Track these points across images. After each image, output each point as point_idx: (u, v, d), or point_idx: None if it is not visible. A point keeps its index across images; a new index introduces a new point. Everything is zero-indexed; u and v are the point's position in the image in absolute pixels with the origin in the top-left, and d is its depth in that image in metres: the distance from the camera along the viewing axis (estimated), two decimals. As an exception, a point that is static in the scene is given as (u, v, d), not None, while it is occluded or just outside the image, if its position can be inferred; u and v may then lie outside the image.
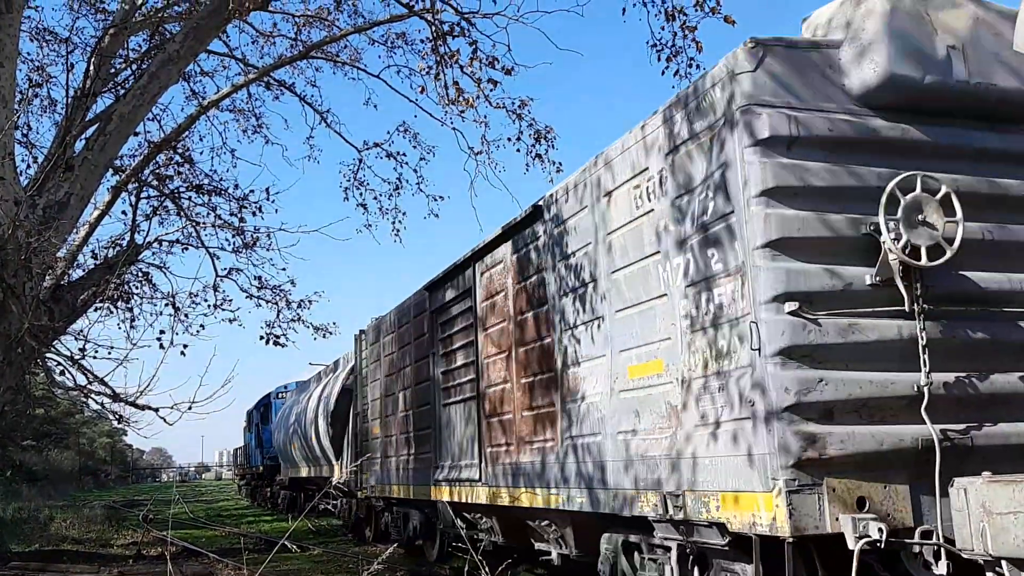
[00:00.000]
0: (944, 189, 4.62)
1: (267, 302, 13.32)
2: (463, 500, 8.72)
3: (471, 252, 8.48)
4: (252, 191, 13.38)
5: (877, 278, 4.53)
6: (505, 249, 7.71)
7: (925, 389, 4.44)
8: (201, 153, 17.26)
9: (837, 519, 4.25)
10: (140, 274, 12.49)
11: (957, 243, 4.57)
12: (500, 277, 7.80)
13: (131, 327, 12.27)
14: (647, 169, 5.53)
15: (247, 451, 36.21)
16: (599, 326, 6.03)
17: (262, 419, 30.15)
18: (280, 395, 28.57)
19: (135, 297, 12.45)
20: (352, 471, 14.53)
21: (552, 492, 6.60)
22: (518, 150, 11.34)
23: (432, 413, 9.74)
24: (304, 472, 20.68)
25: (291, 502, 25.11)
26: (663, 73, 10.00)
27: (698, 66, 9.90)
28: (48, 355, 8.93)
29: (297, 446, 20.38)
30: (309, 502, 19.91)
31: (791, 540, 4.26)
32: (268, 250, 13.19)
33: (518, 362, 7.37)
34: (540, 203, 6.99)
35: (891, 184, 4.54)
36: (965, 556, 4.10)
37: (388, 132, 12.94)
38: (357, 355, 14.00)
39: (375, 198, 13.47)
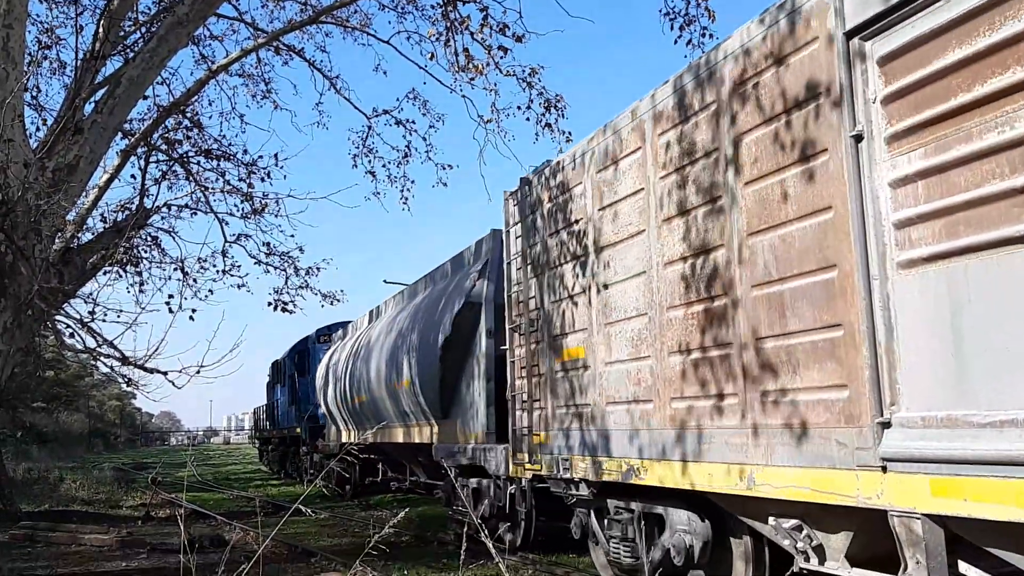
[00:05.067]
0: None
1: (275, 268, 13.36)
2: None
3: None
4: (261, 157, 13.42)
5: None
6: None
7: None
8: (210, 118, 17.15)
9: None
10: (149, 238, 12.54)
11: None
12: None
13: (140, 291, 12.35)
14: None
15: (274, 411, 28.48)
16: None
17: (298, 370, 23.94)
18: (323, 338, 22.65)
19: (144, 261, 12.51)
20: (489, 433, 9.81)
21: None
22: (528, 119, 11.26)
23: (850, 295, 4.44)
24: (396, 436, 13.84)
25: (359, 480, 17.72)
26: (676, 42, 9.97)
27: (711, 35, 9.81)
28: (57, 318, 8.98)
29: (369, 398, 14.53)
30: (387, 477, 16.54)
31: None
32: (276, 216, 13.19)
33: None
34: None
35: None
36: None
37: (398, 99, 12.89)
38: (514, 228, 8.85)
39: (384, 166, 13.45)
